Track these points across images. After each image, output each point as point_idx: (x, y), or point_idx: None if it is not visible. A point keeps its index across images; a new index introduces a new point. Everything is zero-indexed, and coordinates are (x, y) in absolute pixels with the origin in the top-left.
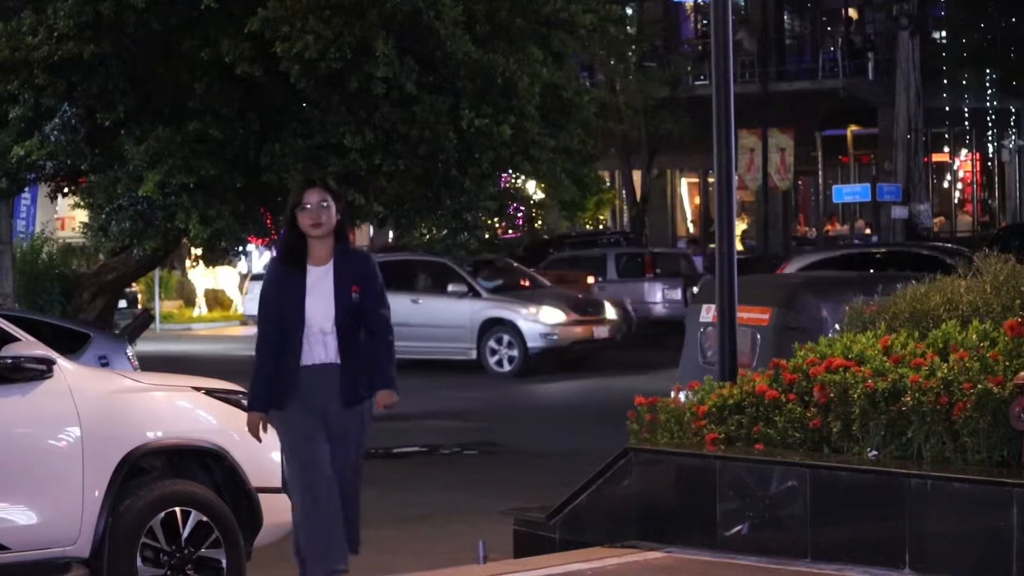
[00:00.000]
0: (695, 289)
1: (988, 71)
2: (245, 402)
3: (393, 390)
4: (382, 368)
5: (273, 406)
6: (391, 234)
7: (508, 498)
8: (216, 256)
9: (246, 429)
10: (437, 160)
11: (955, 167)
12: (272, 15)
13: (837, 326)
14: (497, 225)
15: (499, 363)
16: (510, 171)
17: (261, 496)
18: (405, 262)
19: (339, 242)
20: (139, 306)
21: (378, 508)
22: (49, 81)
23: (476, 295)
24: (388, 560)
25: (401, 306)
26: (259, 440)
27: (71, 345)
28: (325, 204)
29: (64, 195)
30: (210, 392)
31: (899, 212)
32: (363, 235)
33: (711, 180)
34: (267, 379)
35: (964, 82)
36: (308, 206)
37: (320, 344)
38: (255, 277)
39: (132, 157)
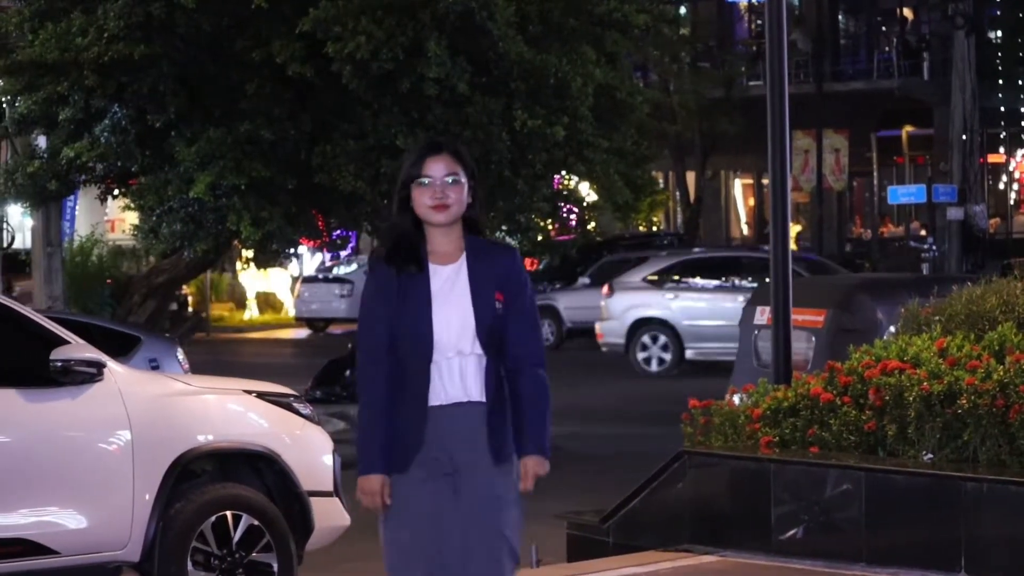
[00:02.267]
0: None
1: None
2: (297, 405)
3: (546, 457)
4: (533, 422)
5: (392, 467)
6: None
7: (562, 501)
8: (267, 258)
9: (297, 432)
10: (490, 161)
11: (1011, 168)
12: (324, 15)
13: (892, 328)
14: (550, 227)
15: None
16: (563, 172)
17: (313, 500)
18: (726, 259)
19: (469, 231)
20: (189, 309)
21: None
22: (99, 82)
23: None
24: None
25: (729, 306)
26: (383, 509)
27: (121, 348)
28: (454, 179)
29: (114, 197)
30: (261, 395)
31: (954, 213)
32: None
33: (765, 181)
34: (385, 429)
35: (1020, 82)
36: (428, 180)
37: (455, 374)
38: (306, 279)
39: (183, 158)
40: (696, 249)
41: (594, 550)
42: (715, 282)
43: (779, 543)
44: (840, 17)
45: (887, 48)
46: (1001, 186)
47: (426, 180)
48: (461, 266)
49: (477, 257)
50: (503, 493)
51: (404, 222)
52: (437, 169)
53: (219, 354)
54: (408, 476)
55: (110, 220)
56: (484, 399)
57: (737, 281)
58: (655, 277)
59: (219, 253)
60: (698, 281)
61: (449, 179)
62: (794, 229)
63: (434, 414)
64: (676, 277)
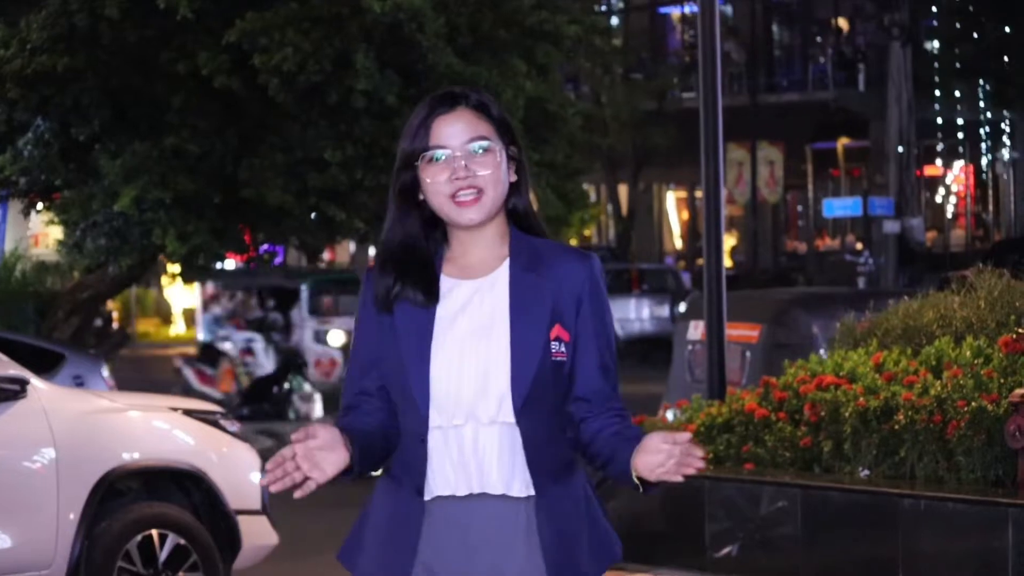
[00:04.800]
0: (683, 306)
1: (981, 82)
2: (224, 423)
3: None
4: (624, 438)
5: (347, 561)
6: (371, 251)
7: None
8: (194, 273)
9: (224, 449)
10: None
11: (948, 180)
12: (250, 27)
13: (827, 343)
14: None
15: None
16: None
17: (240, 518)
18: None
19: (518, 226)
20: (114, 324)
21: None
22: (22, 95)
23: None
24: None
25: None
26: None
27: (45, 365)
28: (482, 147)
29: (38, 211)
30: (188, 412)
31: (891, 227)
32: (343, 252)
33: (699, 194)
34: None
35: (957, 93)
36: (443, 152)
37: (467, 450)
38: None
39: (107, 172)
40: None
41: None
42: None
43: (714, 561)
44: (774, 28)
45: (822, 59)
46: (938, 199)
47: (437, 154)
48: (496, 280)
49: (528, 266)
50: None
51: (409, 222)
52: (454, 133)
53: (145, 370)
54: None
55: (34, 235)
56: (523, 493)
57: None
58: None
59: (144, 268)
60: None
61: (476, 147)
62: (728, 242)
63: (437, 510)
64: None
